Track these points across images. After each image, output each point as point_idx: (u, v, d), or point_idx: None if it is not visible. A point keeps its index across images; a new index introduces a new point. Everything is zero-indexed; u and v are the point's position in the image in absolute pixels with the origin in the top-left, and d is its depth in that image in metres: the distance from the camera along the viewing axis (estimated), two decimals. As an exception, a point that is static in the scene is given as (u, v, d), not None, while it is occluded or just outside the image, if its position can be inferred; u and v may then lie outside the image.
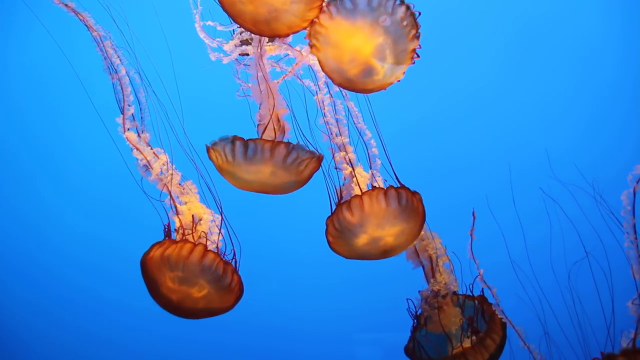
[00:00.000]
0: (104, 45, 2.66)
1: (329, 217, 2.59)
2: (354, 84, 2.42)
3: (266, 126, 2.65)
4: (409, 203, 2.51)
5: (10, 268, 6.64)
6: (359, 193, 2.55)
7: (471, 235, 2.67)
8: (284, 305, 6.88)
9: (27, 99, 6.52)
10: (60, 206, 6.87)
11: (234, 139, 2.48)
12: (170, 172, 2.71)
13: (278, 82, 2.69)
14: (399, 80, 2.40)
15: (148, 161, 2.67)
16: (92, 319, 6.54)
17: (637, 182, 2.27)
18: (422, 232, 2.77)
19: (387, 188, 2.51)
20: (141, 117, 2.70)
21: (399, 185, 2.56)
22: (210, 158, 2.62)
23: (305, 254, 6.76)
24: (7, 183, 6.74)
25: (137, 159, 2.70)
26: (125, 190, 2.77)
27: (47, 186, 6.88)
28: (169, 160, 2.69)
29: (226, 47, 2.64)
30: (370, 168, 2.74)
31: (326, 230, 2.62)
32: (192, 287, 2.54)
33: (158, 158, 2.71)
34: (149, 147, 2.70)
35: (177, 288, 2.54)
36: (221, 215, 2.77)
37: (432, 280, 2.79)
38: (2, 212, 6.69)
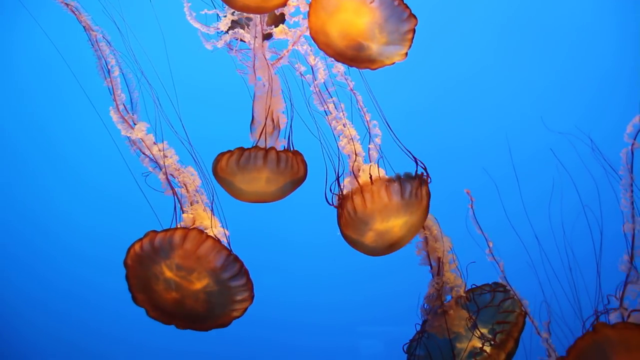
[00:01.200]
0: (97, 42, 2.62)
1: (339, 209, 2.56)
2: (349, 59, 2.42)
3: (264, 124, 2.60)
4: (412, 196, 2.47)
5: (12, 260, 6.62)
6: (365, 181, 2.51)
7: (468, 194, 2.60)
8: (285, 297, 6.86)
9: (31, 90, 6.48)
10: (64, 198, 6.85)
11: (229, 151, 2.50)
12: (165, 155, 2.67)
13: (275, 63, 2.64)
14: (400, 61, 2.38)
15: (136, 142, 2.63)
16: (94, 311, 6.52)
17: (635, 138, 2.22)
18: (430, 230, 2.72)
19: (390, 180, 2.47)
20: (131, 104, 2.65)
21: (406, 175, 2.50)
22: (214, 169, 2.61)
23: (307, 246, 6.74)
24: (10, 175, 6.71)
25: (132, 145, 2.68)
26: (129, 183, 2.75)
27: (51, 178, 6.85)
28: (164, 147, 2.65)
29: (221, 26, 2.59)
30: (371, 160, 2.70)
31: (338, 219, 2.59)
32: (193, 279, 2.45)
33: (154, 146, 2.68)
34: (145, 135, 2.66)
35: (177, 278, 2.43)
36: (212, 205, 2.73)
37: (435, 282, 2.74)
38: (5, 204, 6.67)
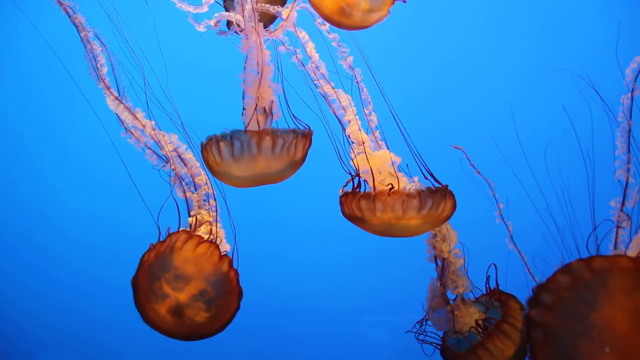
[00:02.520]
0: (89, 40, 2.56)
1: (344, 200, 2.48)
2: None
3: (254, 108, 2.50)
4: (432, 209, 2.35)
5: (10, 252, 6.58)
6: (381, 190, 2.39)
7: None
8: (289, 285, 6.80)
9: (34, 74, 6.40)
10: (62, 186, 6.78)
11: (216, 139, 2.40)
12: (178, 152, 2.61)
13: (269, 34, 2.54)
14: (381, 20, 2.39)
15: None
16: (91, 301, 6.47)
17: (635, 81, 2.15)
18: (440, 229, 2.64)
19: (409, 195, 2.33)
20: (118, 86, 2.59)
21: (429, 189, 2.37)
22: (204, 158, 2.54)
23: (311, 232, 6.67)
24: (10, 164, 6.65)
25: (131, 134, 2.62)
26: (129, 170, 2.70)
27: (49, 166, 6.78)
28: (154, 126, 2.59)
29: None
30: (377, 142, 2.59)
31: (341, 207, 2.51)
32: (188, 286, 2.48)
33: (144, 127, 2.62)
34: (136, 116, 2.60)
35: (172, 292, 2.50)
36: (215, 196, 2.68)
37: (439, 284, 2.65)
38: (4, 193, 6.62)
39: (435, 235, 2.66)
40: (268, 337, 6.78)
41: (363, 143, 2.52)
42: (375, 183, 2.43)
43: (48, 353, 6.36)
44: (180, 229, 2.53)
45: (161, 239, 2.50)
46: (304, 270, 6.79)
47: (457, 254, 2.66)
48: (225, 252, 2.56)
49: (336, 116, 2.58)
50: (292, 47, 2.57)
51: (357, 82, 2.55)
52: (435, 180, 2.43)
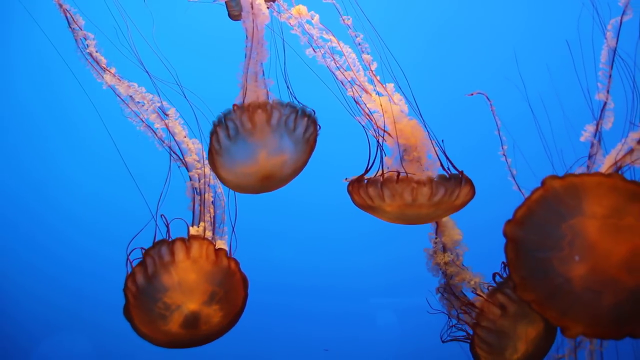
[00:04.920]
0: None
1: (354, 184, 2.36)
2: None
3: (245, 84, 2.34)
4: (445, 196, 2.23)
5: (10, 228, 6.56)
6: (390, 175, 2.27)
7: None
8: (297, 262, 6.75)
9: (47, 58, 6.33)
10: (69, 165, 6.73)
11: (215, 131, 2.26)
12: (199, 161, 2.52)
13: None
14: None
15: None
16: (92, 280, 6.43)
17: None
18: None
19: (419, 182, 2.20)
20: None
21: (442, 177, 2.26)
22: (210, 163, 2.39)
23: (317, 209, 6.60)
24: (14, 137, 6.60)
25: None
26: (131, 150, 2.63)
27: (57, 144, 6.73)
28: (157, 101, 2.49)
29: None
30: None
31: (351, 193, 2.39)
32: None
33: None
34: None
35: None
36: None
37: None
38: (4, 168, 6.58)
39: (435, 245, 2.56)
40: (274, 316, 6.76)
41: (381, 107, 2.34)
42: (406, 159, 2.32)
43: (54, 336, 6.35)
44: (160, 242, 2.33)
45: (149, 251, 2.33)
46: (310, 249, 6.73)
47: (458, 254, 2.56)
48: (219, 241, 2.46)
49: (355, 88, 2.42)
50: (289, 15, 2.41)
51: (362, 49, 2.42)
52: (452, 164, 2.29)
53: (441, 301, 2.54)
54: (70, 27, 2.39)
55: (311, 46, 2.39)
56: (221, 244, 2.48)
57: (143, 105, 2.50)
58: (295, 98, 2.34)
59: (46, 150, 6.70)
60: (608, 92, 2.13)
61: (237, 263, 2.44)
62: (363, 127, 2.42)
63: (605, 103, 2.14)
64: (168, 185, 2.52)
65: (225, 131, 2.23)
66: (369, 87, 2.41)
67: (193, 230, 2.45)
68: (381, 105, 2.36)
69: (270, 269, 6.21)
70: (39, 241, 6.62)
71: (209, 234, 2.48)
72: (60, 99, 6.48)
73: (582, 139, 2.20)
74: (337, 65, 2.39)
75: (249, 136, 2.24)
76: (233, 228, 2.54)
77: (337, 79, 2.41)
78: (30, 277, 6.52)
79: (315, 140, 2.38)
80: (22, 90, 6.51)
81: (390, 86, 2.41)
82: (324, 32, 2.37)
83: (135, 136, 2.54)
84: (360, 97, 2.40)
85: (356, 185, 2.32)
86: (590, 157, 2.18)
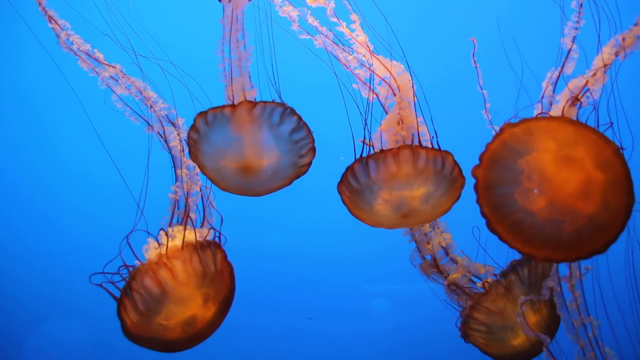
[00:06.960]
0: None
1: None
2: None
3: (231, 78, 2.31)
4: (431, 165, 2.26)
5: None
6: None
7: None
8: (291, 251, 6.74)
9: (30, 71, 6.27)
10: (63, 148, 6.68)
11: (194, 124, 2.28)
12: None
13: None
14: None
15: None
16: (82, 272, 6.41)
17: None
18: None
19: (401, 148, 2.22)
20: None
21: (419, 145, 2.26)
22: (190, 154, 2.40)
23: (311, 197, 6.59)
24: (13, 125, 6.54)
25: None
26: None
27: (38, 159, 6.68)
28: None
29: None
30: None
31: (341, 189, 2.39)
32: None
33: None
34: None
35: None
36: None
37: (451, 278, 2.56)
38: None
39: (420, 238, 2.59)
40: (267, 307, 6.75)
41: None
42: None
43: (44, 326, 6.32)
44: (138, 273, 2.26)
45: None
46: (304, 236, 6.70)
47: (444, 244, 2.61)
48: (205, 231, 2.42)
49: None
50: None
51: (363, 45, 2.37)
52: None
53: (430, 279, 2.53)
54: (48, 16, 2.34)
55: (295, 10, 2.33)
56: (207, 234, 2.43)
57: (128, 89, 2.45)
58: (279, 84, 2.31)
59: (36, 136, 6.65)
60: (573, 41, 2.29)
61: (223, 255, 2.41)
62: (355, 103, 2.39)
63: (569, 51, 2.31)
64: (159, 174, 2.50)
65: (204, 119, 2.25)
66: (363, 50, 2.40)
67: (175, 231, 2.38)
68: (370, 56, 2.36)
69: (262, 257, 6.20)
70: (29, 232, 6.59)
71: (193, 232, 2.41)
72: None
73: (543, 83, 2.34)
74: (325, 37, 2.35)
75: (227, 122, 2.24)
76: (222, 218, 2.50)
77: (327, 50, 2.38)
78: (19, 267, 6.48)
79: (309, 165, 2.45)
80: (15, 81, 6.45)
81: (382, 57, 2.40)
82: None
83: (125, 124, 2.51)
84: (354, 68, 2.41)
85: (345, 187, 2.34)
86: (543, 100, 2.34)
